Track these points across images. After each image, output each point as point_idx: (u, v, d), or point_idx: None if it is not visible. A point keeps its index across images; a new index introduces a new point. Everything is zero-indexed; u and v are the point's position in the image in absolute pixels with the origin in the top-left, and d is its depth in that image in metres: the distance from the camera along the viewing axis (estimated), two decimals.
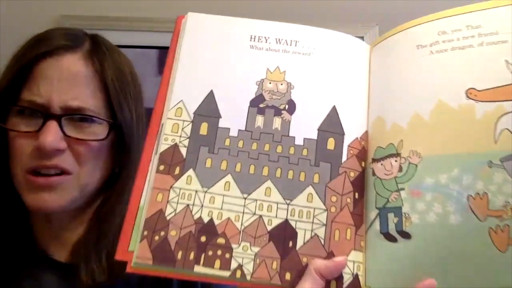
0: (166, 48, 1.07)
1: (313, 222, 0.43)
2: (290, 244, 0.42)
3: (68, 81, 0.55)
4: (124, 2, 1.44)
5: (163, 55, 1.35)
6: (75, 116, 0.55)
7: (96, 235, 0.56)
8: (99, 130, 0.56)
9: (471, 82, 0.40)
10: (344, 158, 0.45)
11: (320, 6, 1.47)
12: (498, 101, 0.39)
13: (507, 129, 0.39)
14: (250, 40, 0.48)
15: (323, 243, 0.42)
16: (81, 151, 0.55)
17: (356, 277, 0.42)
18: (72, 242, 0.58)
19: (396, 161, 0.42)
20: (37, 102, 0.53)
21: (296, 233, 0.43)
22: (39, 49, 0.56)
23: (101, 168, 0.58)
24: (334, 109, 0.46)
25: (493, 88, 0.40)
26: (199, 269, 0.41)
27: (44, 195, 0.53)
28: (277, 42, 0.48)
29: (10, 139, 0.55)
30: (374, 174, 0.44)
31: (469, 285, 0.39)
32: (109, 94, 0.57)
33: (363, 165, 0.45)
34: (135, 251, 0.41)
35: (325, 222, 0.43)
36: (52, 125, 0.53)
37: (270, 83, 0.46)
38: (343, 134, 0.45)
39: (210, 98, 0.46)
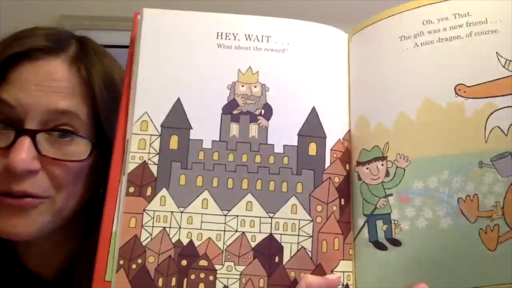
0: None
1: (299, 235, 0.41)
2: (277, 259, 0.41)
3: (49, 88, 0.48)
4: (124, 2, 1.39)
5: None
6: (54, 132, 0.48)
7: (85, 254, 0.52)
8: (80, 148, 0.49)
9: (459, 77, 0.38)
10: (327, 163, 0.42)
11: (320, 6, 1.46)
12: (488, 97, 0.37)
13: (498, 126, 0.37)
14: (217, 38, 0.43)
15: (310, 255, 0.41)
16: (57, 173, 0.48)
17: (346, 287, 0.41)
18: (58, 261, 0.55)
19: (382, 165, 0.40)
20: (9, 102, 0.47)
21: (282, 248, 0.41)
22: (14, 49, 0.48)
23: (81, 190, 0.51)
24: (313, 111, 0.43)
25: (484, 83, 0.37)
26: None
27: (16, 220, 0.47)
28: (247, 39, 0.43)
29: None
30: (360, 178, 0.42)
31: (460, 286, 0.39)
32: (97, 106, 0.50)
33: (347, 168, 0.43)
34: (112, 282, 0.39)
35: (311, 234, 0.41)
36: (25, 142, 0.46)
37: (242, 86, 0.43)
38: (325, 137, 0.43)
39: (177, 107, 0.42)
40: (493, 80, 0.37)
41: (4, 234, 0.48)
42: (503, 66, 0.37)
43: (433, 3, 0.39)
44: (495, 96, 0.37)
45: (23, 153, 0.45)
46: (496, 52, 0.37)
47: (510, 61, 0.37)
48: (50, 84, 0.48)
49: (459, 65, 0.38)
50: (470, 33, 0.38)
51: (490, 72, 0.37)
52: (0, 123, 0.47)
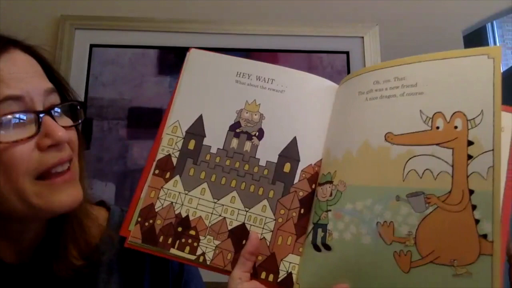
0: (166, 48, 1.49)
1: (263, 228, 0.60)
2: (244, 242, 0.60)
3: (34, 73, 0.58)
4: (124, 2, 1.54)
5: (163, 55, 1.51)
6: (58, 107, 0.59)
7: (62, 236, 0.64)
8: (70, 120, 0.61)
9: (390, 127, 0.53)
10: (296, 180, 0.61)
11: (320, 6, 1.55)
12: (409, 145, 0.52)
13: (414, 169, 0.51)
14: (236, 76, 0.66)
15: (268, 244, 0.59)
16: (73, 138, 0.61)
17: (289, 274, 0.58)
18: (33, 245, 0.65)
19: (329, 187, 0.57)
20: (16, 95, 0.54)
21: (249, 234, 0.60)
22: None
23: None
24: (294, 140, 0.62)
25: (407, 133, 0.52)
26: (173, 251, 0.61)
27: (69, 191, 0.58)
28: (257, 79, 0.65)
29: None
30: (316, 196, 0.59)
31: None
32: (60, 83, 0.63)
33: (313, 187, 0.61)
34: (131, 231, 0.63)
35: (272, 229, 0.60)
36: (49, 119, 0.56)
37: (247, 112, 0.64)
38: (299, 160, 0.61)
39: (199, 121, 0.65)
40: (415, 132, 0.52)
41: (66, 206, 0.58)
42: (424, 122, 0.52)
43: (382, 68, 0.56)
44: (415, 145, 0.52)
45: (58, 127, 0.56)
46: (420, 110, 0.52)
47: (430, 118, 0.51)
48: (33, 69, 0.58)
49: (391, 118, 0.54)
50: (403, 93, 0.53)
51: (413, 125, 0.52)
52: (18, 117, 0.54)
